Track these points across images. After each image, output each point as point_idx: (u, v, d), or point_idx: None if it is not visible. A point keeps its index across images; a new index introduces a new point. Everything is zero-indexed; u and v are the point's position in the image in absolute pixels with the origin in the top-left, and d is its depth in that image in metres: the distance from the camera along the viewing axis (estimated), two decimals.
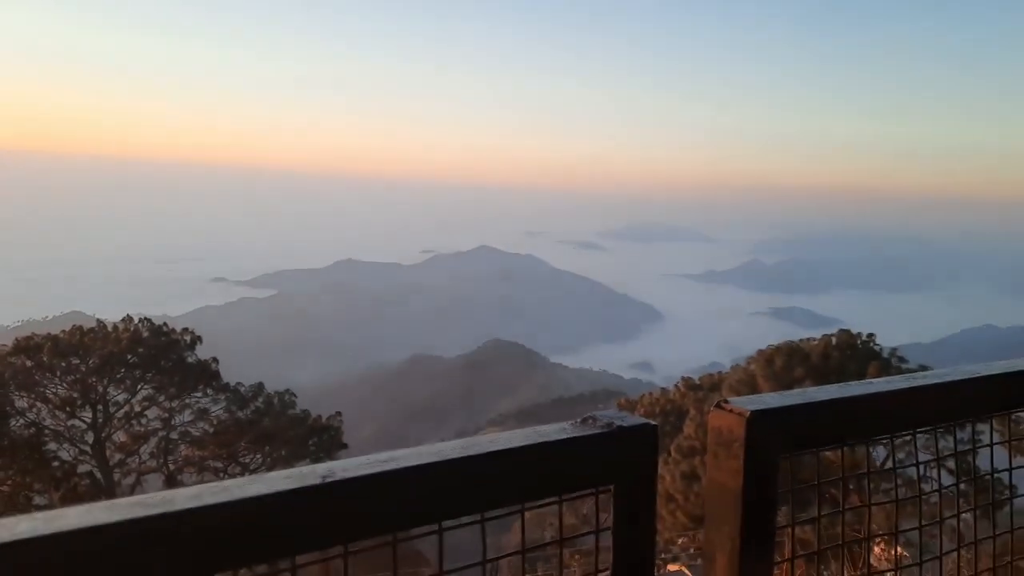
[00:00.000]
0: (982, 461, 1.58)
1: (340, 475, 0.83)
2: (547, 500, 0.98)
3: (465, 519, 0.92)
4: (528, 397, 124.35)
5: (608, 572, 1.03)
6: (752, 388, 22.20)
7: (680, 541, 22.79)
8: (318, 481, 0.81)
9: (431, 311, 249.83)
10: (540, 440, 0.97)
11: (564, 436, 1.00)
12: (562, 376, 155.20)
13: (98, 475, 20.20)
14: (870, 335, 22.75)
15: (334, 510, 0.83)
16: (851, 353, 22.08)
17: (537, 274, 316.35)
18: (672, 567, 21.50)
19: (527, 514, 1.00)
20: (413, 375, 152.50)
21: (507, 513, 0.95)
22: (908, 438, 1.38)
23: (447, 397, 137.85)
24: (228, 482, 0.78)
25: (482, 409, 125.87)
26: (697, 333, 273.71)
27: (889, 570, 1.77)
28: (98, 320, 22.31)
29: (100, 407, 20.76)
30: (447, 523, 0.91)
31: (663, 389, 31.44)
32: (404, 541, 0.87)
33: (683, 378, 29.75)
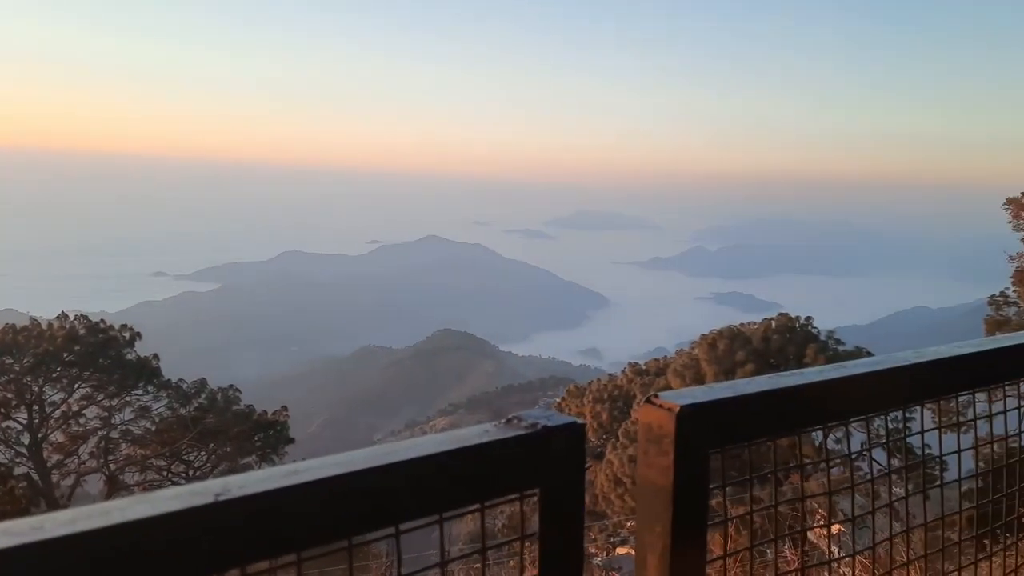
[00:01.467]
0: (916, 442, 1.59)
1: (236, 492, 0.75)
2: (468, 508, 0.93)
3: (379, 533, 0.86)
4: (478, 386, 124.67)
5: None
6: (696, 372, 22.57)
7: (628, 524, 23.09)
8: (211, 499, 0.74)
9: (379, 302, 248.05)
10: (460, 444, 0.91)
11: (486, 439, 0.94)
12: (511, 364, 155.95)
13: (35, 477, 19.59)
14: (808, 318, 23.31)
15: (230, 531, 0.75)
16: (790, 336, 22.60)
17: (485, 263, 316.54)
18: (621, 550, 21.80)
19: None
20: (362, 367, 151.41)
21: (424, 524, 0.90)
22: (848, 424, 1.37)
23: (396, 388, 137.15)
24: (109, 504, 0.70)
25: (432, 399, 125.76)
26: (643, 319, 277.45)
27: (832, 561, 1.78)
28: (32, 318, 21.60)
29: (36, 407, 20.12)
30: (359, 538, 0.85)
31: (611, 375, 31.72)
32: (311, 559, 0.81)
33: (630, 364, 30.06)
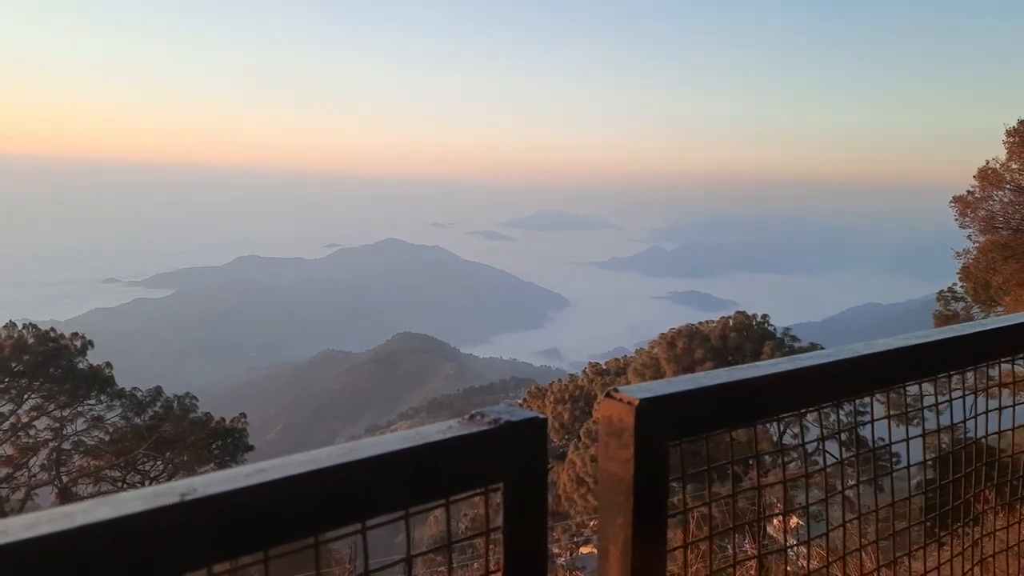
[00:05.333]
0: (868, 433, 1.64)
1: (202, 492, 0.76)
2: (433, 503, 0.94)
3: (345, 530, 0.87)
4: (439, 389, 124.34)
5: (500, 573, 1.00)
6: (656, 371, 22.79)
7: (592, 524, 23.22)
8: (176, 500, 0.74)
9: (338, 306, 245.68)
10: (423, 441, 0.92)
11: (449, 435, 0.95)
12: (473, 366, 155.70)
13: None
14: (764, 316, 23.69)
15: (197, 531, 0.76)
16: (747, 333, 22.95)
17: (445, 265, 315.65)
18: (584, 549, 21.90)
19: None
20: (321, 372, 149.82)
21: (390, 520, 0.90)
22: (803, 415, 1.41)
23: (357, 393, 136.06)
24: (72, 506, 0.70)
25: (393, 403, 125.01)
26: (602, 319, 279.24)
27: (791, 545, 1.83)
28: None
29: None
30: (326, 535, 0.85)
31: (571, 375, 31.86)
32: (279, 557, 0.82)
33: (590, 364, 30.23)
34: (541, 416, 1.02)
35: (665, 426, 1.12)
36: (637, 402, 1.09)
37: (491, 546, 1.03)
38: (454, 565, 1.04)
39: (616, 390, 1.12)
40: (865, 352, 1.41)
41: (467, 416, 1.02)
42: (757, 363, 1.30)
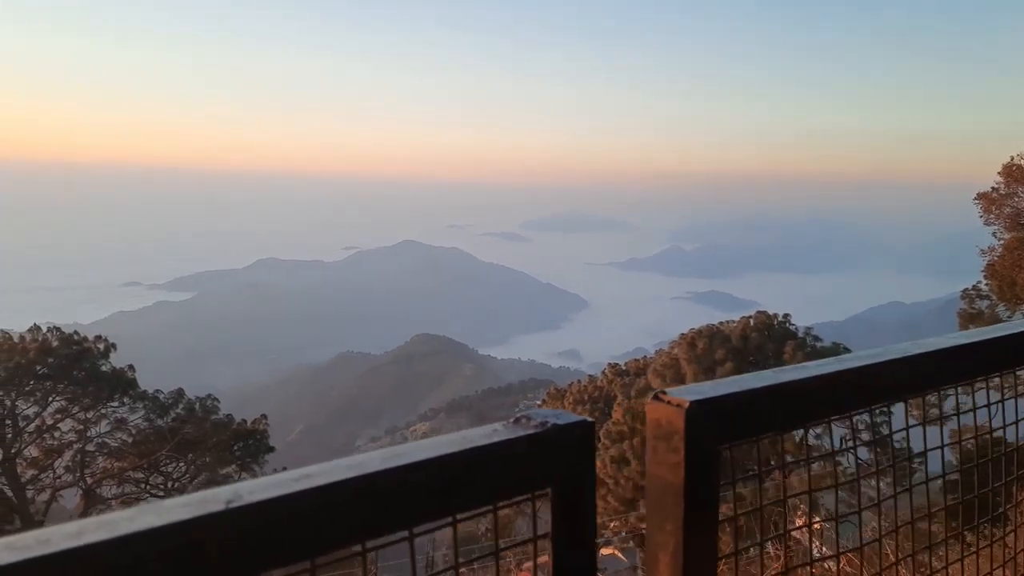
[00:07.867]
0: (916, 440, 1.58)
1: (247, 499, 0.73)
2: (480, 509, 0.91)
3: (392, 537, 0.84)
4: (458, 389, 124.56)
5: None
6: (676, 371, 22.67)
7: (612, 525, 23.10)
8: (221, 507, 0.71)
9: (356, 308, 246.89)
10: (470, 445, 0.89)
11: (496, 439, 0.92)
12: (491, 367, 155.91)
13: (9, 493, 19.24)
14: (785, 315, 23.48)
15: (242, 538, 0.73)
16: (768, 333, 22.77)
17: (462, 267, 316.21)
18: (604, 551, 21.80)
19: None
20: (341, 373, 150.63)
21: (438, 527, 0.87)
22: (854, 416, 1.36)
23: (377, 394, 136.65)
24: (115, 515, 0.67)
25: (413, 404, 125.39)
26: (621, 319, 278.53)
27: (832, 556, 1.78)
28: (3, 331, 21.18)
29: (8, 422, 19.76)
30: (372, 543, 0.83)
31: (591, 376, 31.81)
32: (325, 566, 0.79)
33: (609, 364, 30.15)
34: (588, 419, 0.99)
35: (716, 429, 1.09)
36: (687, 404, 1.05)
37: (520, 552, 1.00)
38: (475, 567, 1.01)
39: (664, 392, 1.09)
40: (916, 352, 1.36)
41: (512, 419, 0.98)
42: (805, 364, 1.26)
